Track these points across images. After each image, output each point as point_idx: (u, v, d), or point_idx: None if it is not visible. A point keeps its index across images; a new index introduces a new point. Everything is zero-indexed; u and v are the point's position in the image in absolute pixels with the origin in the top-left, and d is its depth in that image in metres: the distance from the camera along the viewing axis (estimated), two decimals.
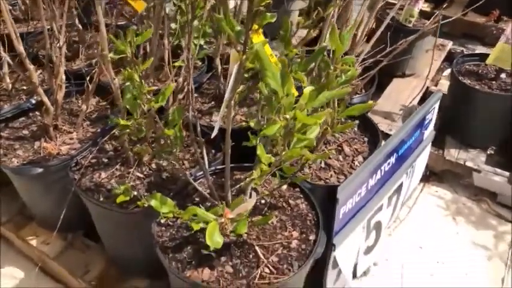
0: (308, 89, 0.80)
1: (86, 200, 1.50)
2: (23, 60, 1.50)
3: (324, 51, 1.11)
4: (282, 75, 0.78)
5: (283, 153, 1.00)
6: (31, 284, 1.80)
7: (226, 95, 1.14)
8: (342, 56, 1.18)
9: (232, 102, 1.12)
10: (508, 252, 1.95)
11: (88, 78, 1.70)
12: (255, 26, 0.93)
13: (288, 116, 0.81)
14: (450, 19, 2.15)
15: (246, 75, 1.14)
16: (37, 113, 1.85)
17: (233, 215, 1.09)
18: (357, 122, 1.35)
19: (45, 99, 1.60)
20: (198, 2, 1.38)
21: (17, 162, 1.61)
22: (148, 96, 1.14)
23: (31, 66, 1.52)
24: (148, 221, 1.39)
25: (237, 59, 1.12)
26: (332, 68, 1.10)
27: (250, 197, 1.33)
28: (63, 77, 1.64)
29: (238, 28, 0.92)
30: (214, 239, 1.06)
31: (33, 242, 1.83)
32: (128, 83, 1.15)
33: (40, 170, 1.55)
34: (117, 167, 1.58)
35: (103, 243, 1.77)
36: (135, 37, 1.04)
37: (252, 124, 1.20)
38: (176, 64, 1.38)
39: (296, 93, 0.86)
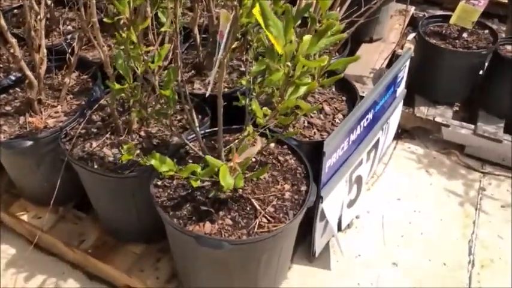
0: (308, 36, 0.87)
1: (80, 168, 1.52)
2: (5, 34, 1.49)
3: (309, 8, 1.17)
4: (286, 21, 0.83)
5: (280, 104, 1.06)
6: (25, 260, 1.82)
7: (220, 53, 1.19)
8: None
9: (225, 60, 1.17)
10: (477, 198, 2.10)
11: (70, 51, 1.70)
12: None
13: (289, 64, 0.87)
14: None
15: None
16: (17, 89, 1.84)
17: (240, 160, 1.15)
18: (342, 74, 1.43)
19: (29, 72, 1.59)
20: None
21: (4, 138, 1.61)
22: (145, 57, 1.18)
23: (13, 40, 1.50)
24: (144, 185, 1.44)
25: (228, 18, 1.17)
26: (318, 23, 1.17)
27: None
28: (45, 50, 1.63)
29: None
30: (227, 180, 1.12)
31: (24, 218, 1.83)
32: (121, 48, 1.18)
33: (30, 142, 1.56)
34: (107, 136, 1.60)
35: (95, 213, 1.80)
36: None
37: (243, 82, 1.25)
38: (162, 30, 1.41)
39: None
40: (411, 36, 3.16)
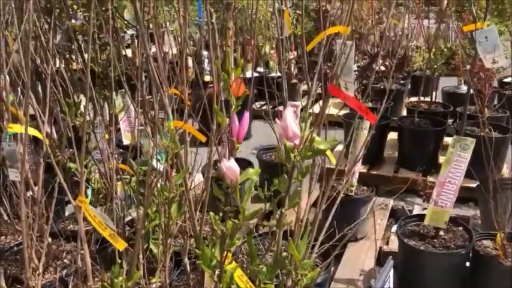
0: None
1: None
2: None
3: (284, 261, 1.29)
4: None
5: None
6: None
7: None
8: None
9: None
10: None
11: None
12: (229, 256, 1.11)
13: None
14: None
15: None
16: None
17: None
18: None
19: None
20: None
21: None
22: None
23: None
24: None
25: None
26: (294, 273, 1.28)
27: None
28: None
29: (214, 262, 1.10)
30: None
31: None
32: None
33: None
34: None
35: None
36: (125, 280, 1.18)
37: None
38: (154, 280, 1.51)
39: None
40: (394, 228, 3.31)
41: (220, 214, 1.17)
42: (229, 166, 1.18)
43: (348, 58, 1.56)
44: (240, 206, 1.08)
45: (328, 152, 1.74)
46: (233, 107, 1.26)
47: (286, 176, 1.32)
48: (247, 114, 1.28)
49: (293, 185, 1.34)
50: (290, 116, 1.24)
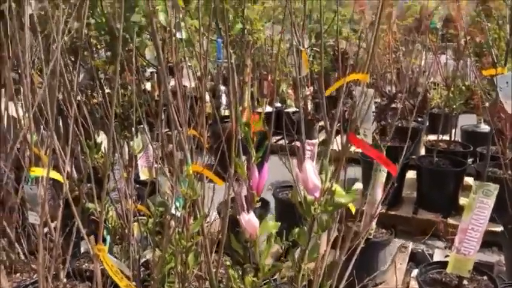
0: None
1: None
2: None
3: None
4: None
5: None
6: None
7: None
8: None
9: None
10: None
11: None
12: None
13: None
14: None
15: None
16: None
17: None
18: None
19: None
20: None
21: None
22: None
23: None
24: None
25: None
26: None
27: None
28: None
29: None
30: None
31: None
32: None
33: None
34: None
35: None
36: None
37: None
38: None
39: None
40: (414, 272, 3.21)
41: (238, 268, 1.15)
42: (249, 220, 1.17)
43: (369, 108, 1.56)
44: (259, 263, 1.05)
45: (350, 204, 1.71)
46: (253, 158, 1.25)
47: (305, 229, 1.30)
48: (266, 166, 1.27)
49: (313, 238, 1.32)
50: (310, 168, 1.22)
